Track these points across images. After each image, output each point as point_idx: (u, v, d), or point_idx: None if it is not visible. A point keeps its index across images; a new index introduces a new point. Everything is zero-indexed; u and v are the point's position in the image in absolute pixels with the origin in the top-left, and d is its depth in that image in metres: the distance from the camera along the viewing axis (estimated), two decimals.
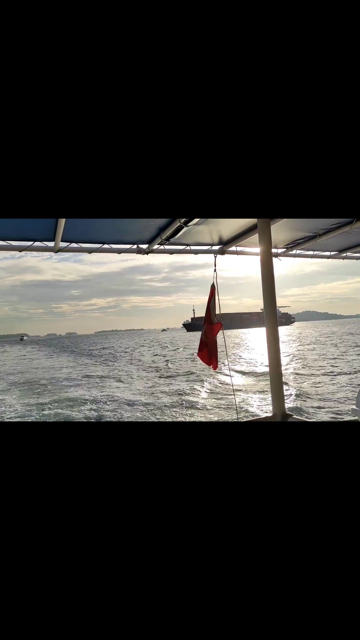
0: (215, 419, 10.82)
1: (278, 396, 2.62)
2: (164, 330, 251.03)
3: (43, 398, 15.39)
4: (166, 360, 29.61)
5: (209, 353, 3.04)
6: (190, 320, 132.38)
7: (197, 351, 3.16)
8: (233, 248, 3.10)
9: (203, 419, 10.72)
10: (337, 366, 20.54)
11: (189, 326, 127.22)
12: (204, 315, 3.09)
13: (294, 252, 3.33)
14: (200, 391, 15.17)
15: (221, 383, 16.80)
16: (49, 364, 32.33)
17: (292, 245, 3.26)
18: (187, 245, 2.98)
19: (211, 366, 3.06)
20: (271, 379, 2.64)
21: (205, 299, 3.03)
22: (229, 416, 11.20)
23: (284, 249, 3.33)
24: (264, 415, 2.85)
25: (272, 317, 2.64)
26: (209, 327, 3.02)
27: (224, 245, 3.12)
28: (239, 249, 3.13)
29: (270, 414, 2.65)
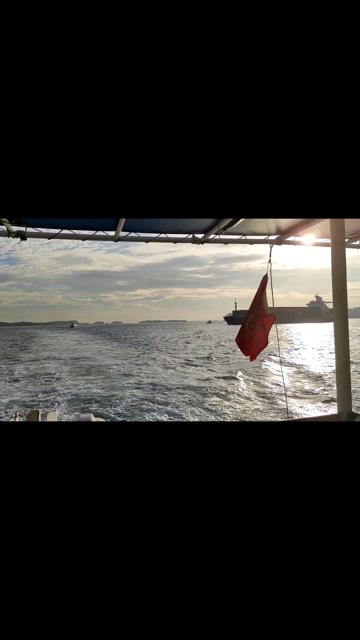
0: (260, 418, 10.28)
1: (345, 394, 2.52)
2: (209, 322, 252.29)
3: (89, 376, 17.86)
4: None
5: (249, 343, 3.00)
6: (231, 313, 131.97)
7: (243, 346, 3.08)
8: (291, 238, 2.95)
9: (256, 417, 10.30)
10: None
11: (230, 319, 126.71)
12: (246, 308, 3.07)
13: (357, 242, 3.18)
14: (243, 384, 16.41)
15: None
16: (96, 348, 35.33)
17: (354, 236, 3.10)
18: (243, 235, 2.89)
19: (249, 356, 3.05)
20: (338, 376, 2.55)
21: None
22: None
23: (347, 239, 3.13)
24: (330, 413, 2.84)
25: (342, 311, 2.54)
26: (266, 319, 2.94)
27: (282, 235, 2.95)
28: (296, 239, 2.98)
29: (336, 412, 2.57)
